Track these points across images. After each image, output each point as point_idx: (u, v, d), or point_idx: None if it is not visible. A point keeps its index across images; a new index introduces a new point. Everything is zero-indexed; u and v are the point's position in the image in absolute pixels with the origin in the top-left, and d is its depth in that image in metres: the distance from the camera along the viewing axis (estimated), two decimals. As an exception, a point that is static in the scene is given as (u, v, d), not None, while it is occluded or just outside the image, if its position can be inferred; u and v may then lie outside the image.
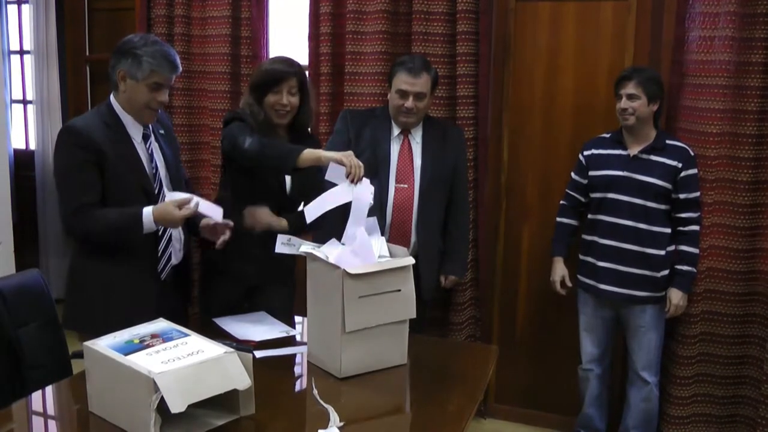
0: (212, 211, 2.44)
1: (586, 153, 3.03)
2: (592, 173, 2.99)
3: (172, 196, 2.40)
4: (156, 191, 2.48)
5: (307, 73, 3.39)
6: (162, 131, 2.58)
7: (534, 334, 3.54)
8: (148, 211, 2.33)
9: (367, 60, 3.36)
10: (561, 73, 3.32)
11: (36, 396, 2.07)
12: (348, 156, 2.32)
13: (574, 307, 3.15)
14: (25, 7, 4.52)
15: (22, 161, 4.70)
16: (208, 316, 2.70)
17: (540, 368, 3.55)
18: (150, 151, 2.49)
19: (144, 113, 2.44)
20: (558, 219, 3.15)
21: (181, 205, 2.31)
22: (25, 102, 4.79)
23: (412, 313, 2.25)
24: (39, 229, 4.73)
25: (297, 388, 2.27)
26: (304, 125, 2.78)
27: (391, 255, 2.30)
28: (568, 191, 3.11)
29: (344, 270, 2.08)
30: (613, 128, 3.02)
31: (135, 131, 2.45)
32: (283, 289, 2.85)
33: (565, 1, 3.27)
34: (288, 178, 2.72)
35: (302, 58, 3.57)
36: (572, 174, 3.09)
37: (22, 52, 4.70)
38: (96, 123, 2.40)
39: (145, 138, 2.49)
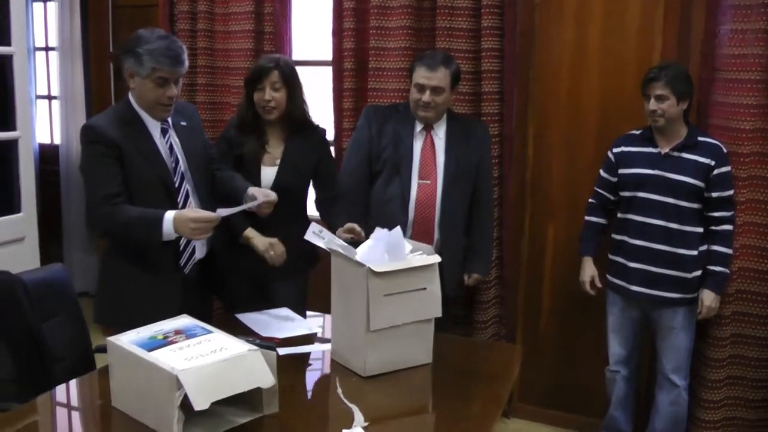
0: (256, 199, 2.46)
1: (615, 150, 2.97)
2: (621, 171, 2.93)
3: (220, 212, 2.34)
4: (177, 184, 2.48)
5: (331, 68, 3.42)
6: (184, 123, 2.57)
7: (559, 334, 3.49)
8: (169, 216, 2.30)
9: (391, 56, 3.34)
10: (587, 69, 3.26)
11: (60, 389, 2.07)
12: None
13: (600, 307, 3.10)
14: (51, 5, 4.55)
15: (47, 156, 4.74)
16: (230, 312, 2.71)
17: (565, 368, 3.50)
18: (169, 145, 2.49)
19: (155, 109, 2.44)
20: (586, 218, 3.09)
21: (197, 220, 2.28)
22: (50, 97, 4.82)
23: (438, 312, 2.23)
24: (63, 223, 4.76)
25: (321, 386, 2.25)
26: (298, 118, 2.79)
27: (417, 253, 2.26)
28: (597, 189, 3.06)
29: (369, 268, 2.06)
30: (640, 125, 2.96)
31: (153, 126, 2.46)
32: (296, 283, 2.88)
33: None
34: (267, 173, 2.76)
35: (326, 53, 3.57)
36: (601, 172, 3.04)
37: (47, 49, 4.74)
38: (113, 120, 2.42)
39: (164, 132, 2.49)
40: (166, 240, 2.32)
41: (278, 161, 2.78)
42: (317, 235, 2.29)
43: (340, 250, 2.19)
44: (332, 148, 3.50)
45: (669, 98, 2.76)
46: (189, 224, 2.25)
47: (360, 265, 2.09)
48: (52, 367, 2.34)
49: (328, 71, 3.57)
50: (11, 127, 3.60)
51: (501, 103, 3.32)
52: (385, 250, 2.16)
